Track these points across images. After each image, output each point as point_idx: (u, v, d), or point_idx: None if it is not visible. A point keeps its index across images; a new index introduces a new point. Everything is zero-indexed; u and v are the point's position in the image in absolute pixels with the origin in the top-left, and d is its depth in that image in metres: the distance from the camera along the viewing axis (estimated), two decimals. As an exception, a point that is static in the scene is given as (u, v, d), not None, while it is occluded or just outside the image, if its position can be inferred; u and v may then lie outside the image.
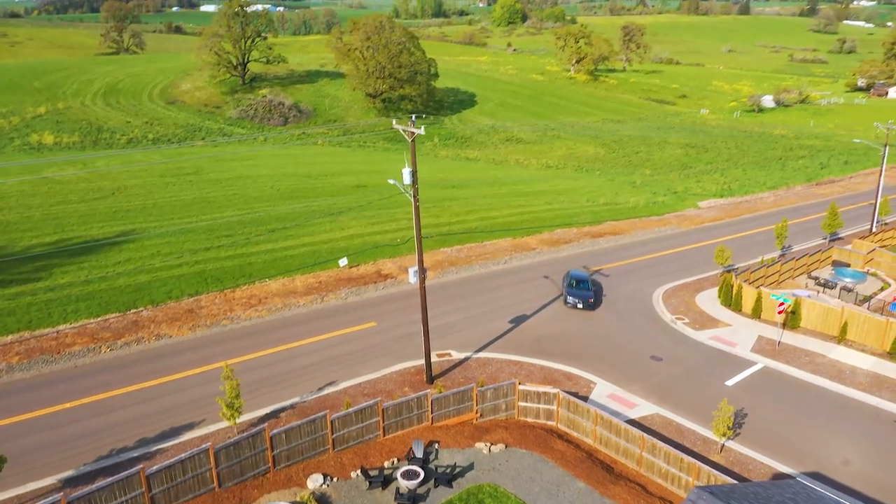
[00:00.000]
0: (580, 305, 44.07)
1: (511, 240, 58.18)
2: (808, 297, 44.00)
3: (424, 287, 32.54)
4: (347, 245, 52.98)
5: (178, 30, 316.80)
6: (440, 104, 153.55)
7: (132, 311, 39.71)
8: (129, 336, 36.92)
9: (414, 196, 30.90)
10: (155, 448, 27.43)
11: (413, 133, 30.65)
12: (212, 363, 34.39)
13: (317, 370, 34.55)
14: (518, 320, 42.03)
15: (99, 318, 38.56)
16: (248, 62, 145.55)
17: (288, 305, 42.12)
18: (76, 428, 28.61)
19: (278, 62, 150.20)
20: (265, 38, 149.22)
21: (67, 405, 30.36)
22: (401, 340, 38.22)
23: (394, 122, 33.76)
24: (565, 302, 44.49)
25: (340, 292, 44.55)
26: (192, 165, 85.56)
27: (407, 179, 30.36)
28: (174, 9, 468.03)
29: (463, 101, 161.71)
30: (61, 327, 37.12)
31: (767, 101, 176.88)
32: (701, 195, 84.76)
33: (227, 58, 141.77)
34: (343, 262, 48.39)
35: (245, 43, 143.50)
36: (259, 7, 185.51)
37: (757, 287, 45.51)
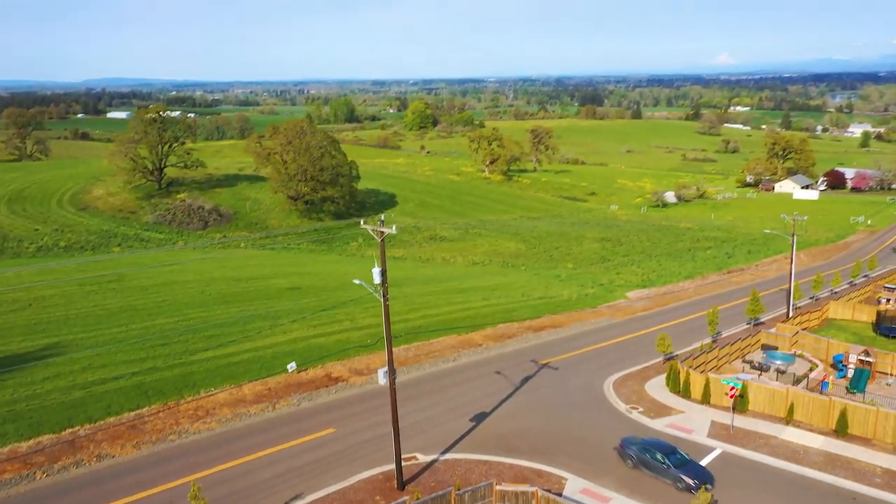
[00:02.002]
0: (708, 486, 32.83)
1: (456, 336, 58.08)
2: (751, 380, 45.69)
3: (394, 388, 31.77)
4: (292, 349, 51.37)
5: (84, 136, 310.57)
6: (362, 205, 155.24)
7: (68, 430, 36.59)
8: (66, 459, 33.84)
9: (384, 296, 30.65)
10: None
11: (382, 233, 30.74)
12: (163, 483, 31.87)
13: (279, 483, 32.57)
14: (479, 418, 41.41)
15: (30, 441, 35.28)
16: (165, 167, 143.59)
17: (238, 415, 39.97)
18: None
19: (197, 166, 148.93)
20: (183, 143, 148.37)
21: (3, 542, 27.21)
22: (364, 446, 36.77)
23: (361, 222, 33.88)
24: (677, 486, 33.66)
25: (292, 398, 42.78)
26: (112, 272, 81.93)
27: (377, 279, 30.17)
28: (79, 115, 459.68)
29: (384, 201, 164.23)
30: (-12, 453, 33.68)
31: (670, 196, 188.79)
32: (626, 286, 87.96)
33: (143, 163, 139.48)
34: (291, 366, 46.76)
35: (162, 148, 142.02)
36: (177, 113, 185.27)
37: (702, 373, 46.96)
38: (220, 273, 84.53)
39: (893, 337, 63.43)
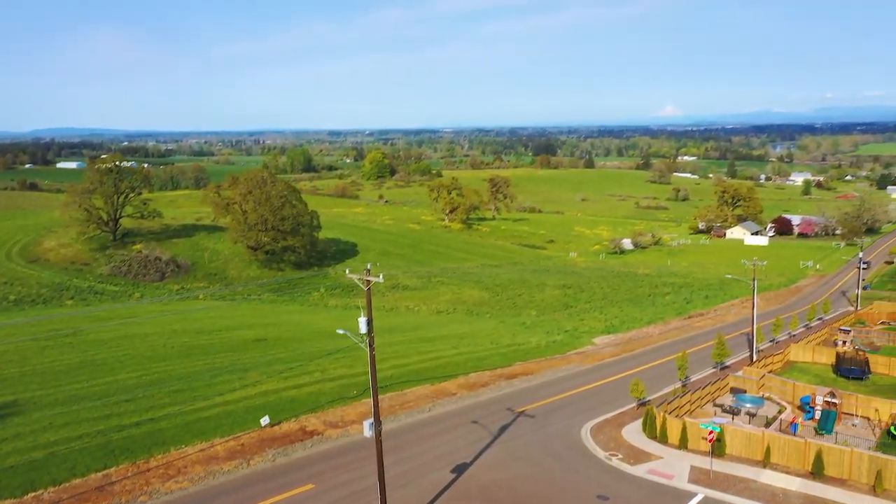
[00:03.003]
0: None
1: (430, 386, 57.42)
2: (726, 423, 46.15)
3: (381, 441, 31.11)
4: (263, 403, 50.01)
5: (33, 186, 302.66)
6: (323, 254, 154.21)
7: (30, 494, 34.65)
8: (30, 525, 31.98)
9: (370, 346, 30.25)
10: None
11: (369, 281, 30.52)
12: (137, 548, 30.28)
13: (260, 544, 31.31)
14: (460, 469, 40.72)
15: (-10, 507, 33.31)
16: (120, 217, 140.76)
17: (211, 473, 38.47)
18: None
19: (154, 217, 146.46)
20: (140, 194, 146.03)
21: None
22: (346, 501, 35.71)
23: (346, 271, 33.59)
24: None
25: (267, 454, 41.45)
26: (67, 326, 79.12)
27: (363, 328, 29.81)
28: (27, 165, 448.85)
29: (345, 250, 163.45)
30: (-56, 522, 31.66)
31: (627, 243, 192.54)
32: (591, 332, 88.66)
33: (97, 214, 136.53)
34: (264, 421, 45.44)
35: (118, 198, 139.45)
36: (132, 163, 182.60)
37: (678, 417, 47.23)
38: (181, 325, 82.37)
39: (853, 378, 65.01)
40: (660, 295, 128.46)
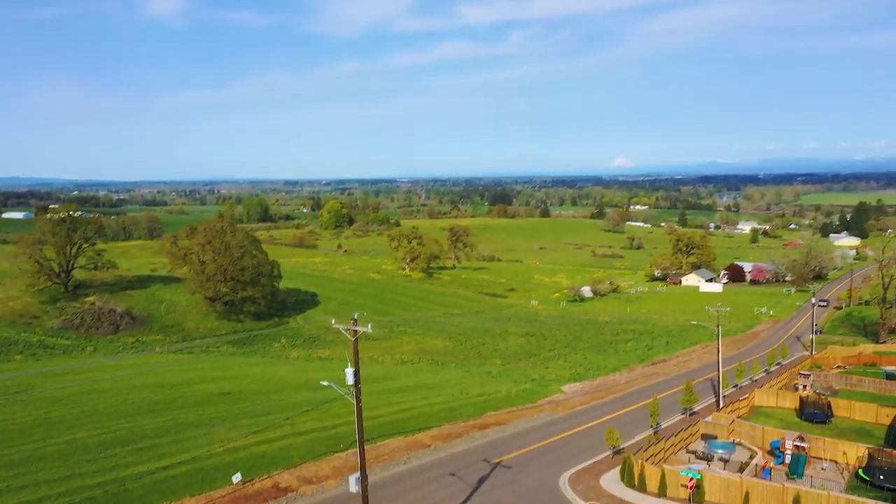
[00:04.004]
0: None
1: (403, 438, 56.36)
2: (703, 469, 46.33)
3: (367, 496, 30.27)
4: (233, 459, 48.30)
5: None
6: (283, 305, 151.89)
7: (-12, 564, 32.55)
8: None
9: (356, 397, 29.68)
10: None
11: (355, 332, 30.12)
12: None
13: None
14: (441, 524, 39.80)
15: (-56, 579, 31.12)
16: (73, 269, 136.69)
17: (183, 535, 36.76)
18: None
19: (108, 268, 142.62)
20: (94, 244, 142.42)
21: None
22: (326, 562, 34.45)
23: (332, 321, 33.11)
24: None
25: (240, 513, 39.88)
26: (18, 383, 75.72)
27: (350, 380, 29.30)
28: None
29: (306, 300, 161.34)
30: None
31: (587, 291, 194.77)
32: (558, 380, 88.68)
33: (48, 265, 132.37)
34: (236, 478, 43.83)
35: (71, 249, 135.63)
36: (87, 213, 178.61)
37: (654, 465, 47.24)
38: (140, 380, 79.60)
39: (817, 422, 66.22)
40: (622, 342, 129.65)
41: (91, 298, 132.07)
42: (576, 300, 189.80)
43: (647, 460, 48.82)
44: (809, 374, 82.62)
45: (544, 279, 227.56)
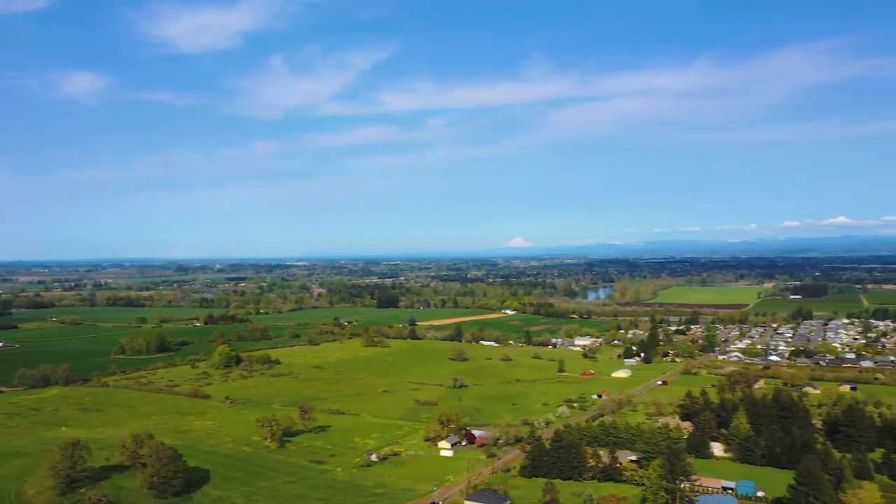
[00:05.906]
0: None
1: None
2: None
3: None
4: None
5: None
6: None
7: None
8: None
9: None
10: None
11: None
12: None
13: None
14: None
15: None
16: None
17: None
18: None
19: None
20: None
21: None
22: None
23: None
24: None
25: None
26: None
27: None
28: None
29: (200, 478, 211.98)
30: None
31: (373, 457, 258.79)
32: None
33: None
34: None
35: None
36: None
37: None
38: None
39: None
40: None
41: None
42: (367, 466, 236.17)
43: None
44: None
45: (359, 442, 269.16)
